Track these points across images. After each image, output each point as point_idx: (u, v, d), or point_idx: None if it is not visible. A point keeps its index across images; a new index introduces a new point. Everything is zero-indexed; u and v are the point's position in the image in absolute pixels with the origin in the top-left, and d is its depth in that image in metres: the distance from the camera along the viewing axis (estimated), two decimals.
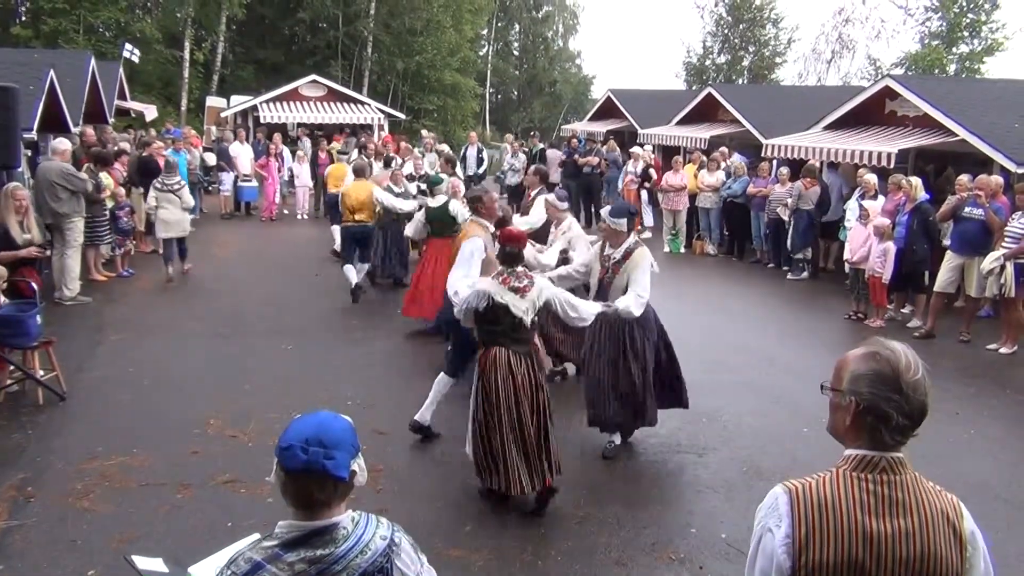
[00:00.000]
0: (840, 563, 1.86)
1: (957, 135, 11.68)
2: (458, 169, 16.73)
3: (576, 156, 17.72)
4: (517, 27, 49.68)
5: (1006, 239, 8.73)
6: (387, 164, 12.47)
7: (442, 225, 8.67)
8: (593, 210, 17.24)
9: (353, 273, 10.20)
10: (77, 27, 27.27)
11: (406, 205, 10.18)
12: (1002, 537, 4.67)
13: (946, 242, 9.77)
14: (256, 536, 2.89)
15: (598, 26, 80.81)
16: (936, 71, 33.14)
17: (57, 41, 26.33)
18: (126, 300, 10.06)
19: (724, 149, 15.69)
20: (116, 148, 14.04)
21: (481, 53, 45.15)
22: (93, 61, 15.51)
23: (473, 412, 5.08)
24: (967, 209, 9.28)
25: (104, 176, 10.83)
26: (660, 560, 4.61)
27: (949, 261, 9.40)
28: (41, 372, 6.69)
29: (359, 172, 10.61)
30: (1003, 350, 8.85)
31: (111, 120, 18.02)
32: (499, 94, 49.87)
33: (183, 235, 11.22)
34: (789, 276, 12.71)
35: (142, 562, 3.13)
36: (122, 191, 11.65)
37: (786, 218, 12.61)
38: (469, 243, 6.18)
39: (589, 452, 6.01)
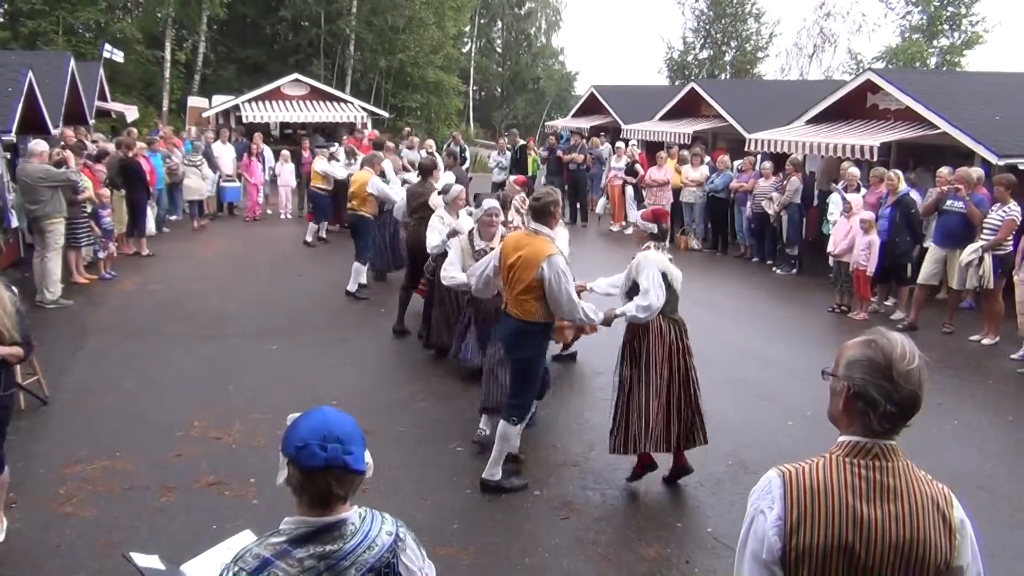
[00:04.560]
0: (830, 545, 1.89)
1: (939, 128, 11.74)
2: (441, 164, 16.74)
3: (559, 152, 17.70)
4: (500, 24, 49.62)
5: (985, 231, 8.81)
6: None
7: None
8: (579, 207, 17.27)
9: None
10: (56, 28, 26.97)
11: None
12: (985, 528, 4.68)
13: (929, 235, 9.84)
14: (247, 533, 2.89)
15: (581, 22, 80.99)
16: (917, 64, 33.37)
17: (36, 42, 26.02)
18: (108, 303, 9.97)
19: (700, 148, 15.74)
20: (98, 150, 13.94)
21: (464, 50, 45.08)
22: (72, 62, 15.34)
23: (620, 380, 5.27)
24: (948, 202, 9.35)
25: (84, 178, 10.70)
26: (646, 554, 4.62)
27: (932, 254, 9.49)
28: (23, 376, 6.62)
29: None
30: (985, 341, 8.94)
31: (91, 121, 17.84)
32: (482, 91, 49.81)
33: (202, 198, 15.52)
34: (777, 271, 12.75)
35: (140, 559, 3.14)
36: (105, 192, 11.53)
37: (771, 212, 12.60)
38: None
39: (577, 449, 6.03)
